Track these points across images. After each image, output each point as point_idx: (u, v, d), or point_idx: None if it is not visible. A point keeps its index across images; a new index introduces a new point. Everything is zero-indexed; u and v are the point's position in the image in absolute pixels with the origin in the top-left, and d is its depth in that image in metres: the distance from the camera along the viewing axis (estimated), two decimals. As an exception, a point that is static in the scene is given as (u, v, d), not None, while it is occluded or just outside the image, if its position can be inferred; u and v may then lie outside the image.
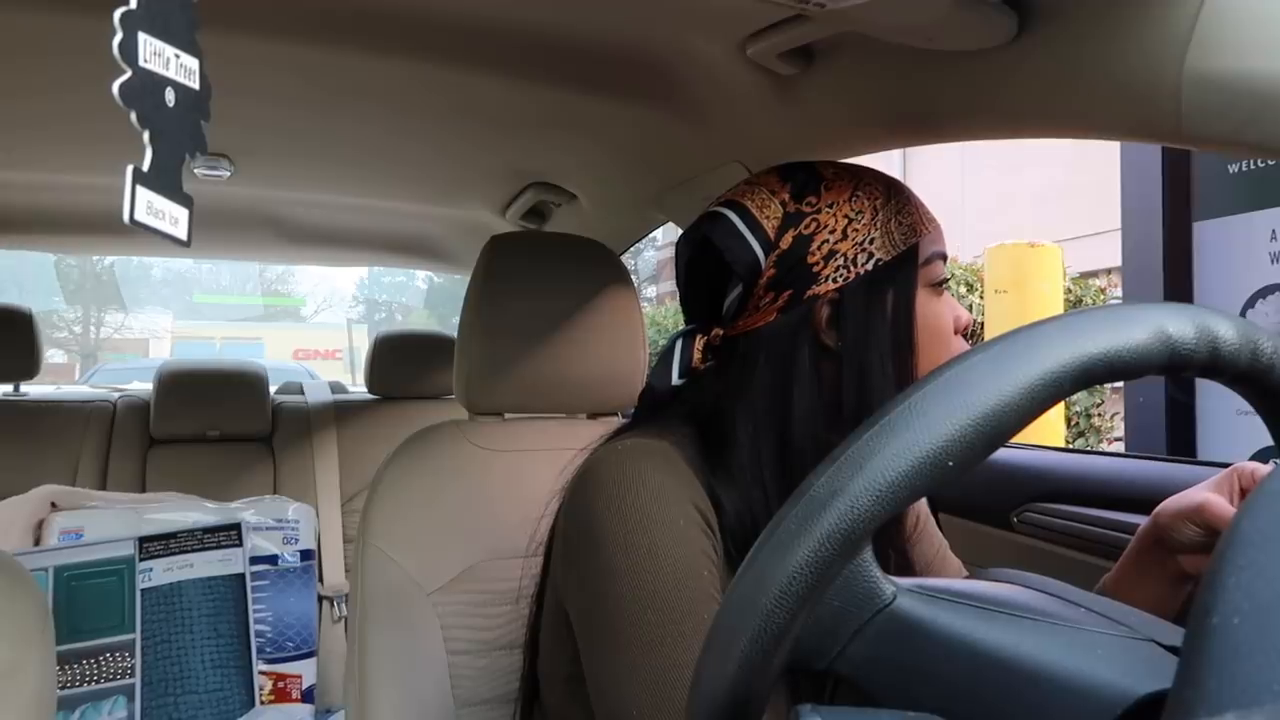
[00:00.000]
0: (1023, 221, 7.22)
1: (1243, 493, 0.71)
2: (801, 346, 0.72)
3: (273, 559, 1.80)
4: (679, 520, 0.67)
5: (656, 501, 0.67)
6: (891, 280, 0.73)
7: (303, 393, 2.42)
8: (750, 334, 0.74)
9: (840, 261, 0.72)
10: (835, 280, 0.72)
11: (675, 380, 0.77)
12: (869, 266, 0.72)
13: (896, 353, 0.72)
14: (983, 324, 4.46)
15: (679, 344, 0.78)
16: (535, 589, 0.83)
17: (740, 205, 0.75)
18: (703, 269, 0.78)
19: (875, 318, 0.72)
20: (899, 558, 0.79)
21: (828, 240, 0.72)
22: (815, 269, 0.72)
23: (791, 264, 0.72)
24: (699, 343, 0.77)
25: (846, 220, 0.73)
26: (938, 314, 0.75)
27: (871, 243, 0.73)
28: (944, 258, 0.77)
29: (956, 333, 0.76)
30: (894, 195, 0.76)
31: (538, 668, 0.82)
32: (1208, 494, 0.71)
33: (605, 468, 0.71)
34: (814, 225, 0.73)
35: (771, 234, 0.73)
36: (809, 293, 0.72)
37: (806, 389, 0.72)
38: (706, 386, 0.77)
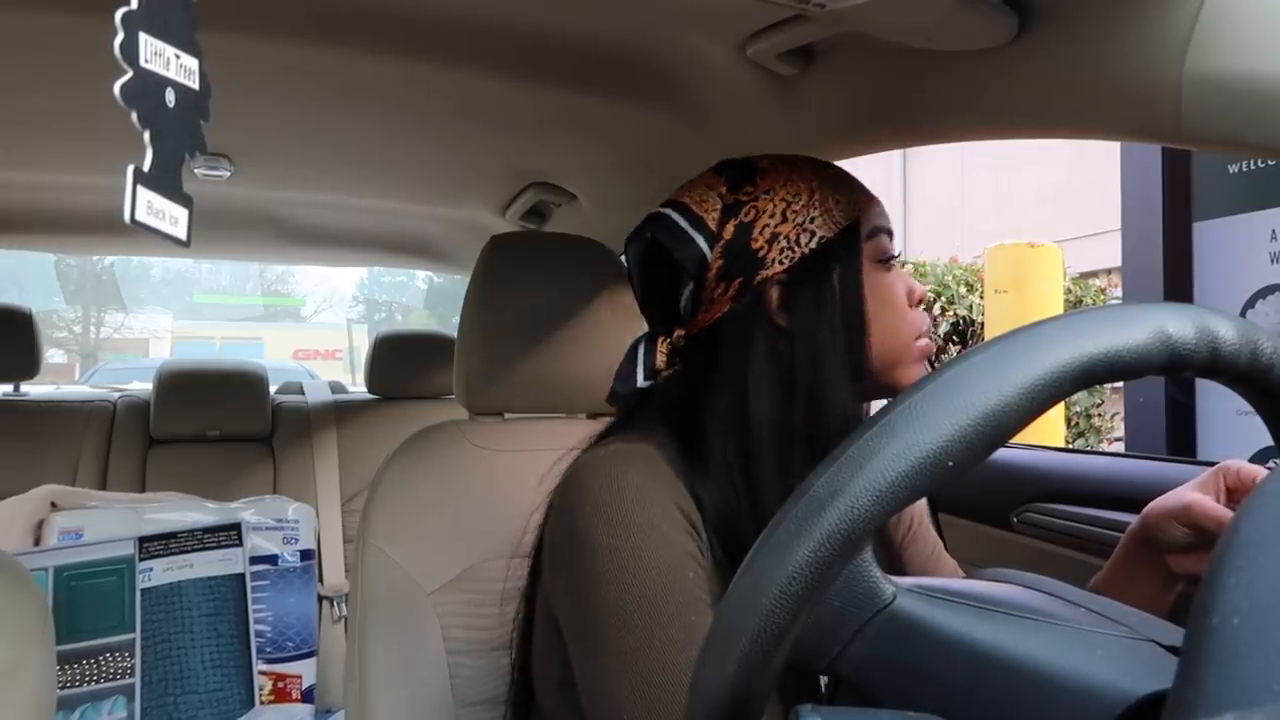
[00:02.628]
0: (1023, 221, 7.22)
1: (1229, 491, 0.71)
2: (757, 332, 0.73)
3: (273, 559, 1.80)
4: (662, 523, 0.67)
5: (639, 505, 0.67)
6: (837, 257, 0.74)
7: (303, 393, 2.41)
8: (709, 328, 0.76)
9: (784, 243, 0.73)
10: (781, 262, 0.73)
11: (641, 382, 0.78)
12: (813, 245, 0.73)
13: (847, 328, 0.73)
14: (983, 324, 4.46)
15: (641, 348, 0.79)
16: (524, 593, 0.84)
17: (680, 204, 0.77)
18: (658, 275, 0.79)
19: (824, 294, 0.73)
20: (890, 559, 0.79)
21: (769, 224, 0.73)
22: (760, 254, 0.73)
23: (736, 252, 0.74)
24: (663, 345, 0.78)
25: (785, 203, 0.74)
26: (889, 285, 0.76)
27: (812, 222, 0.74)
28: (889, 233, 0.78)
29: (911, 305, 0.77)
30: (830, 175, 0.77)
31: (531, 671, 0.82)
32: (1194, 494, 0.71)
33: (589, 472, 0.71)
34: (753, 212, 0.74)
35: (714, 226, 0.74)
36: (758, 278, 0.73)
37: (763, 372, 0.72)
38: (676, 385, 0.78)
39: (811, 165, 0.78)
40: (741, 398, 0.72)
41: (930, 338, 0.78)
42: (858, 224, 0.75)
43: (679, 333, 0.78)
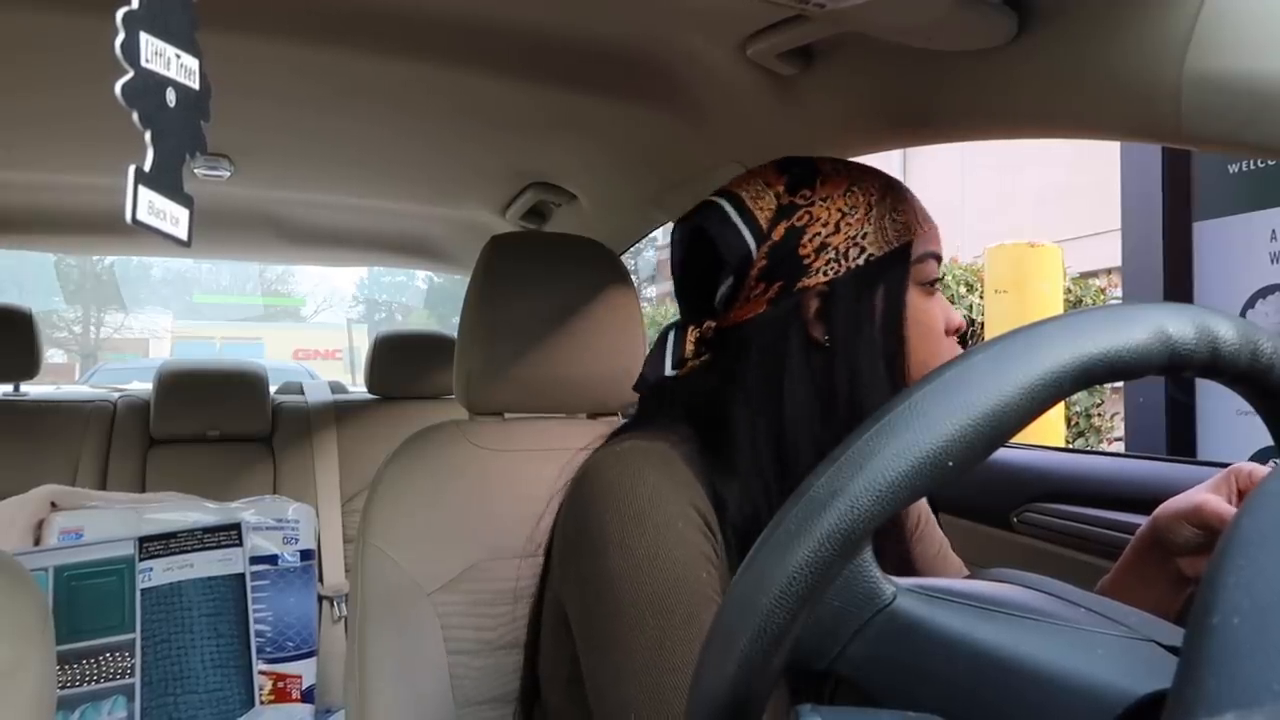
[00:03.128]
0: (1023, 221, 7.22)
1: (1240, 493, 0.71)
2: (791, 338, 0.72)
3: (273, 559, 1.80)
4: (677, 522, 0.67)
5: (654, 504, 0.67)
6: (882, 276, 0.73)
7: (303, 393, 2.41)
8: (742, 325, 0.75)
9: (831, 255, 0.72)
10: (825, 273, 0.72)
11: (668, 370, 0.77)
12: (860, 261, 0.72)
13: (885, 348, 0.72)
14: (983, 324, 4.46)
15: (671, 335, 0.79)
16: (536, 589, 0.83)
17: (735, 195, 0.75)
18: (698, 261, 0.78)
19: (864, 312, 0.72)
20: (898, 558, 0.79)
21: (820, 233, 0.73)
22: (806, 261, 0.72)
23: (783, 255, 0.73)
24: (691, 334, 0.78)
25: (840, 214, 0.73)
26: (928, 311, 0.75)
27: (864, 237, 0.73)
28: (938, 259, 0.77)
29: (948, 334, 0.76)
30: (890, 192, 0.76)
31: (538, 668, 0.82)
32: (1206, 495, 0.71)
33: (604, 469, 0.70)
34: (807, 218, 0.73)
35: (764, 225, 0.73)
36: (799, 285, 0.72)
37: (798, 381, 0.72)
38: (701, 381, 0.77)
39: (875, 178, 0.76)
40: (777, 404, 0.71)
41: None
42: (909, 246, 0.74)
43: (709, 324, 0.77)
